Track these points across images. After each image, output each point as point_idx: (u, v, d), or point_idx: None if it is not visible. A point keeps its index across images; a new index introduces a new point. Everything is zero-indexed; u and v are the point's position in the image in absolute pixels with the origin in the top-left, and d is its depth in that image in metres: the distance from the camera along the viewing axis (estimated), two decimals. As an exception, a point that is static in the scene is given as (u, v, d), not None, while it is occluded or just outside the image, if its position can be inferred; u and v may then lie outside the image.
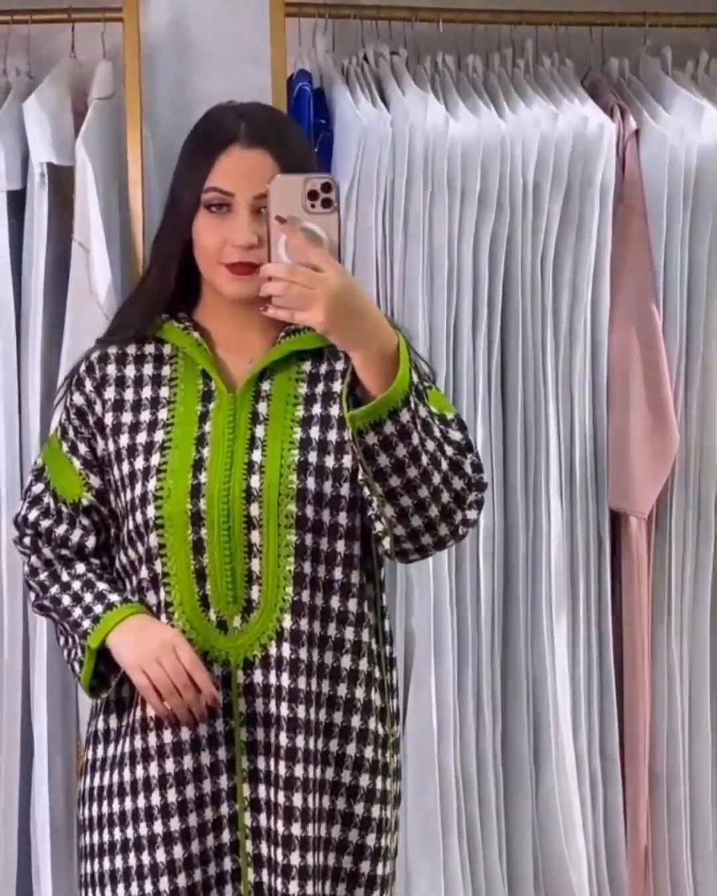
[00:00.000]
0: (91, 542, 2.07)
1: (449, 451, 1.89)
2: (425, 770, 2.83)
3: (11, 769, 2.81)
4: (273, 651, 1.94)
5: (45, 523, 2.08)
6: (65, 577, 2.06)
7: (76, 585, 2.03)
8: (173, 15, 3.07)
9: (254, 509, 1.94)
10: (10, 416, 2.76)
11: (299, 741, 1.93)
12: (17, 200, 2.78)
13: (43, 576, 2.08)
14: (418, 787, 2.82)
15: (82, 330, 2.63)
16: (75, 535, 2.06)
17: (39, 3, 2.88)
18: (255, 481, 1.94)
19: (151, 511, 1.95)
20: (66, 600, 2.03)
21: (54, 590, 2.06)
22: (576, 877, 2.91)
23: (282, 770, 1.92)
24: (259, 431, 1.98)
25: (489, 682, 2.91)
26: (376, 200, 2.78)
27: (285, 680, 1.94)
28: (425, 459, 1.83)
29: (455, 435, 1.92)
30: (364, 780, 2.00)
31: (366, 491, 1.88)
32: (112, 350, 2.06)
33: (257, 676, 1.95)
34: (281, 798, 1.92)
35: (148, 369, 2.05)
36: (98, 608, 1.98)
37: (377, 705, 2.03)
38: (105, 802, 2.00)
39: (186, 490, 1.94)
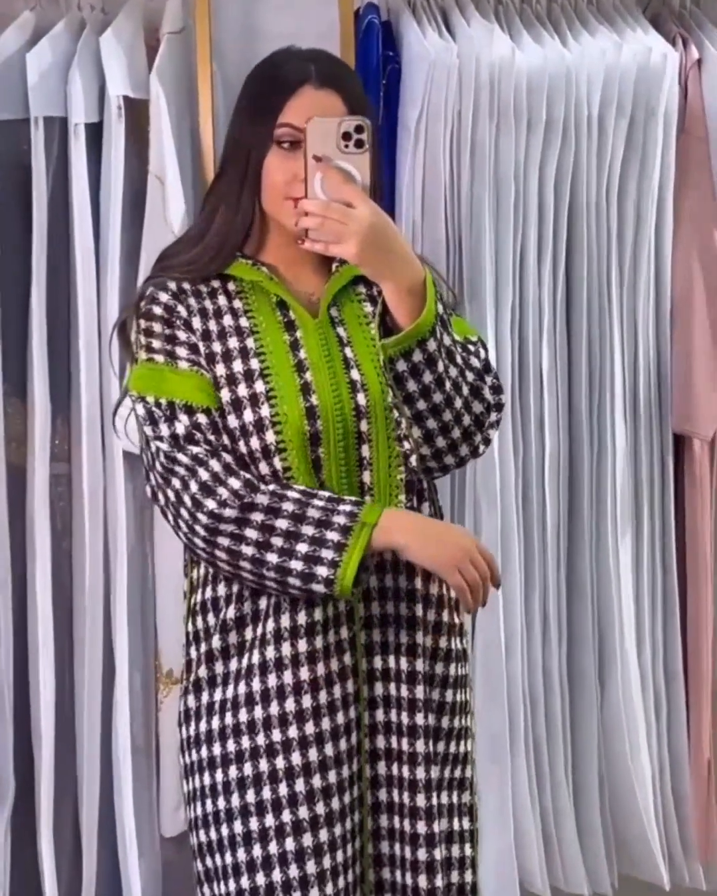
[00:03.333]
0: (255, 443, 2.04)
1: (470, 376, 2.04)
2: (493, 687, 2.89)
3: (94, 690, 2.87)
4: (388, 556, 2.06)
5: (215, 466, 2.00)
6: (269, 484, 2.00)
7: (297, 487, 2.00)
8: (241, -50, 3.08)
9: (363, 425, 2.06)
10: (90, 343, 2.81)
11: (419, 637, 2.07)
12: (95, 133, 2.81)
13: (245, 480, 1.99)
14: (487, 704, 2.88)
15: (158, 258, 2.67)
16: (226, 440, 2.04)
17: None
18: (361, 399, 2.06)
19: (270, 436, 2.03)
20: (294, 494, 1.98)
21: (273, 487, 1.99)
22: (640, 791, 2.97)
23: (405, 665, 2.07)
24: (348, 353, 2.09)
25: (555, 601, 2.96)
26: (443, 130, 2.80)
27: (402, 581, 2.08)
28: (448, 385, 1.99)
29: (475, 361, 2.07)
30: (453, 669, 2.15)
31: (395, 413, 2.03)
32: (186, 285, 2.11)
33: (373, 581, 2.07)
34: (405, 691, 2.07)
35: (222, 301, 2.11)
36: (351, 499, 1.99)
37: (453, 598, 2.15)
38: (241, 711, 2.04)
39: (302, 413, 2.04)
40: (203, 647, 2.09)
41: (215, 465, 1.99)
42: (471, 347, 2.09)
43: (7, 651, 2.84)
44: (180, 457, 2.00)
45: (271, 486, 1.99)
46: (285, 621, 2.03)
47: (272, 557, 1.95)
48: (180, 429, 2.02)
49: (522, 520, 2.93)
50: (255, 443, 2.03)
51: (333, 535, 1.94)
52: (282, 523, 1.96)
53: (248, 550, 1.96)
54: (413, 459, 2.06)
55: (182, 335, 2.07)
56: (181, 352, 2.06)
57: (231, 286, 2.13)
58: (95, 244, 2.82)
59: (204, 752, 2.07)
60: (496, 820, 2.88)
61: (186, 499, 1.99)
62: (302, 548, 1.94)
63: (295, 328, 2.09)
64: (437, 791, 2.09)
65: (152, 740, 2.95)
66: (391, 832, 2.09)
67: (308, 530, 1.95)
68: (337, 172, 1.89)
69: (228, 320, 2.09)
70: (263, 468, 2.04)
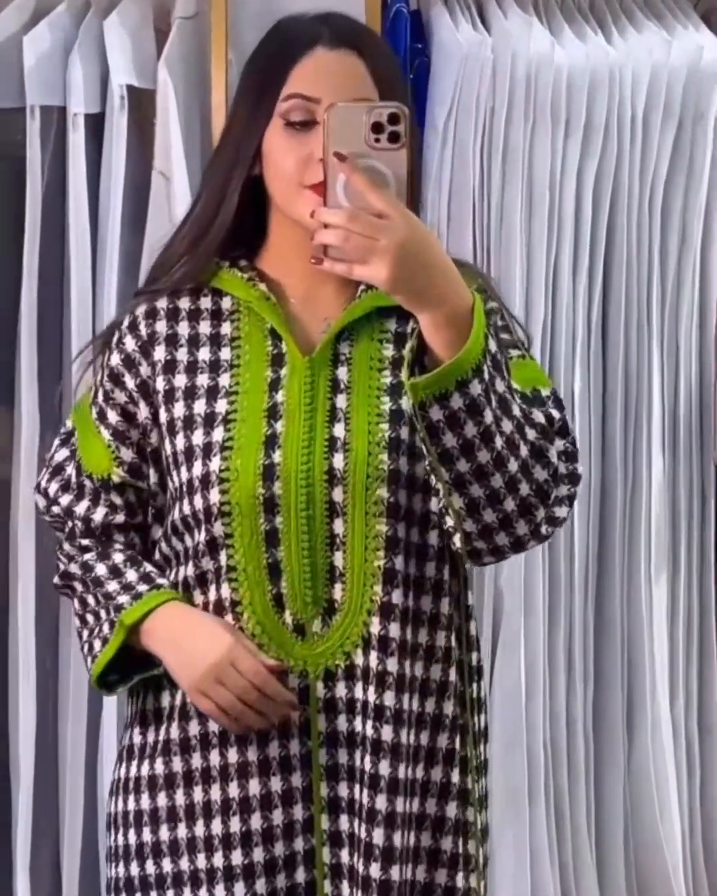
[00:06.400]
0: (120, 519, 1.85)
1: (531, 434, 1.66)
2: (511, 736, 2.78)
3: (78, 722, 2.76)
4: (359, 660, 1.73)
5: (65, 500, 1.87)
6: (102, 549, 1.85)
7: (118, 558, 1.82)
8: (262, -72, 3.01)
9: (337, 494, 1.71)
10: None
11: (386, 767, 1.71)
12: (96, 124, 2.74)
13: (80, 545, 1.87)
14: (505, 754, 2.76)
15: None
16: (98, 514, 1.84)
17: None
18: (338, 461, 1.71)
19: (214, 495, 1.72)
20: (101, 570, 1.82)
21: (88, 556, 1.84)
22: (670, 851, 2.86)
23: (366, 799, 1.71)
24: (340, 402, 1.74)
25: (581, 643, 2.85)
26: (474, 130, 2.73)
27: (371, 695, 1.72)
28: (499, 442, 1.61)
29: (540, 416, 1.70)
30: (451, 811, 1.78)
31: (432, 478, 1.67)
32: (162, 303, 1.82)
33: (341, 690, 1.73)
34: (363, 832, 1.71)
35: (204, 327, 1.80)
36: (142, 587, 1.77)
37: (464, 724, 1.80)
38: (145, 830, 1.76)
39: (257, 471, 1.71)
40: (135, 708, 1.85)
41: (69, 523, 1.89)
42: (538, 400, 1.72)
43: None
44: (45, 518, 1.95)
45: (86, 556, 1.84)
46: (194, 728, 1.76)
47: (85, 633, 1.84)
48: (54, 485, 1.90)
49: (547, 556, 2.82)
50: (198, 502, 1.74)
51: (105, 629, 1.78)
52: (89, 598, 1.83)
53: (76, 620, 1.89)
54: (457, 538, 1.69)
55: (121, 396, 1.82)
56: (111, 416, 1.84)
57: (226, 304, 1.81)
58: (93, 245, 2.75)
59: (114, 869, 1.81)
60: (512, 875, 2.78)
61: None
62: (85, 633, 1.83)
63: (282, 364, 1.76)
64: None
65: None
66: None
67: (91, 618, 1.82)
68: (365, 174, 1.54)
69: (204, 353, 1.79)
70: (201, 535, 1.75)
